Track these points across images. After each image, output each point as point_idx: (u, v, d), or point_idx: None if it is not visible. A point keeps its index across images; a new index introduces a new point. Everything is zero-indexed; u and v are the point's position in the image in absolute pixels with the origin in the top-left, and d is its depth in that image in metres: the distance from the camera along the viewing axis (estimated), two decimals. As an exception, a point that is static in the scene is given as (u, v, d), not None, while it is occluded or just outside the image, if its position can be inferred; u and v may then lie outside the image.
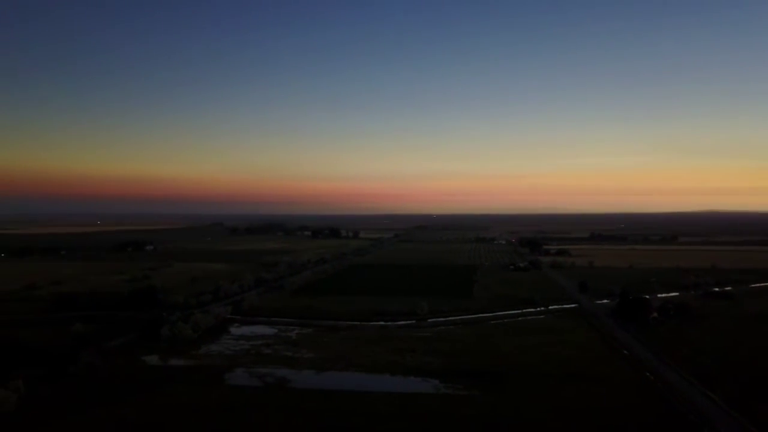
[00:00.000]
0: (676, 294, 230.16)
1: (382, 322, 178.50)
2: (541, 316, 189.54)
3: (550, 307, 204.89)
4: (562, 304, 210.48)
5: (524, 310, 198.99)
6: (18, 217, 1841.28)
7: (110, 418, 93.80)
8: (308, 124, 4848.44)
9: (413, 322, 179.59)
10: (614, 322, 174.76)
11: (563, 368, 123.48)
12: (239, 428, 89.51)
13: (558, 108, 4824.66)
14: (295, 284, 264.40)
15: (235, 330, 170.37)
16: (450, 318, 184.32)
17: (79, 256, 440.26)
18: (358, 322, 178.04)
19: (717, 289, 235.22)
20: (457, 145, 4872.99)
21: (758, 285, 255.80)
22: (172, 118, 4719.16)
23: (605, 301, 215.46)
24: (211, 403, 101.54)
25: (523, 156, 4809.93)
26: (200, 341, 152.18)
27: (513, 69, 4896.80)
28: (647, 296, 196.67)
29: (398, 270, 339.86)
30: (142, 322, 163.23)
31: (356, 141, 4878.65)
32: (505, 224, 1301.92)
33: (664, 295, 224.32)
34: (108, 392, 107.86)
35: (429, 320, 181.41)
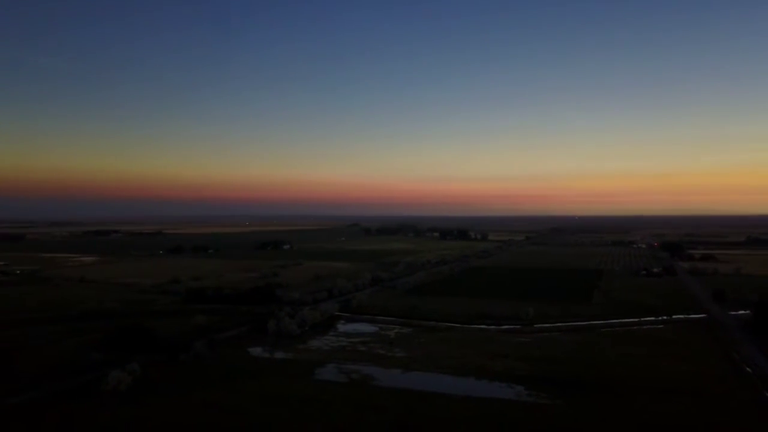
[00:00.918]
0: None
1: (484, 326, 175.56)
2: (660, 326, 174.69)
3: (674, 317, 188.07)
4: (689, 314, 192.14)
5: (642, 319, 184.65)
6: (178, 219, 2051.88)
7: (204, 400, 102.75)
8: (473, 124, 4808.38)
9: (517, 326, 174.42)
10: (745, 336, 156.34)
11: (666, 382, 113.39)
12: (309, 417, 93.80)
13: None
14: (409, 284, 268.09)
15: (339, 327, 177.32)
16: (557, 324, 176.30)
17: (224, 254, 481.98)
18: (459, 324, 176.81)
19: None
20: (602, 142, 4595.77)
21: None
22: (334, 126, 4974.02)
23: (743, 312, 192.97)
24: (294, 394, 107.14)
25: (676, 153, 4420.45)
26: (304, 336, 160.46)
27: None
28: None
29: (517, 273, 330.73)
30: (255, 317, 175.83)
31: (491, 139, 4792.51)
32: (653, 226, 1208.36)
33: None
34: (208, 378, 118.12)
35: (535, 325, 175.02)
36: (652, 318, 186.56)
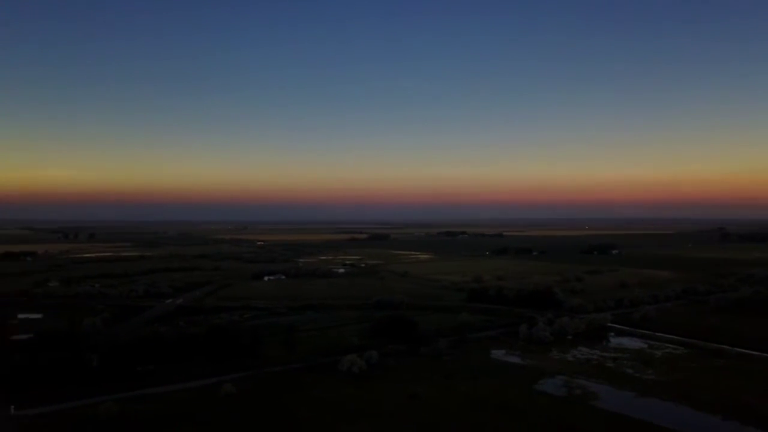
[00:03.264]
0: None
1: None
2: None
3: None
4: None
5: None
6: (520, 222, 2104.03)
7: (414, 393, 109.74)
8: None
9: None
10: None
11: None
12: (490, 424, 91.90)
13: None
14: (727, 299, 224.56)
15: (604, 339, 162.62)
16: None
17: (545, 257, 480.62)
18: (758, 353, 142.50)
19: None
20: None
21: None
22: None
23: None
24: (498, 400, 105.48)
25: None
26: (554, 344, 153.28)
27: None
28: None
29: None
30: (517, 320, 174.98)
31: None
32: None
33: None
34: (431, 373, 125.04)
35: None
36: None
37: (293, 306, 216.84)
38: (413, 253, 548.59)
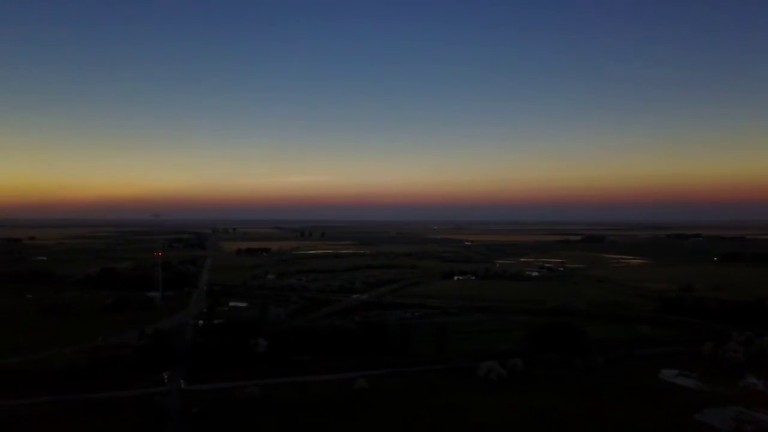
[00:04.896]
0: None
1: None
2: None
3: None
4: None
5: None
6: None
7: (538, 405, 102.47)
8: None
9: None
10: None
11: None
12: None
13: None
14: None
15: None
16: None
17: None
18: None
19: None
20: None
21: None
22: None
23: None
24: (639, 424, 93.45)
25: None
26: (748, 368, 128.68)
27: None
28: None
29: None
30: (706, 337, 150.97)
31: None
32: None
33: None
34: (572, 386, 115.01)
35: None
36: None
37: (466, 307, 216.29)
38: (626, 257, 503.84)
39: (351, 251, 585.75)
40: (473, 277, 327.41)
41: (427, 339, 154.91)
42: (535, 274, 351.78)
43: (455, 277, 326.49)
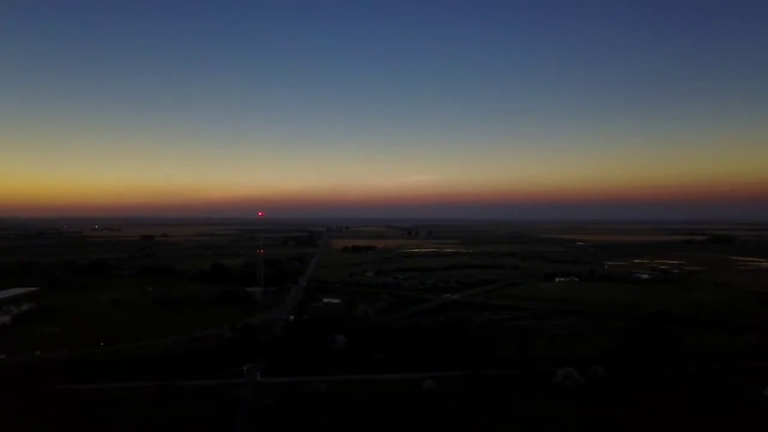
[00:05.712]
0: None
1: None
2: None
3: None
4: None
5: None
6: None
7: (611, 417, 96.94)
8: None
9: None
10: None
11: None
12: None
13: None
14: None
15: None
16: None
17: None
18: None
19: None
20: None
21: None
22: None
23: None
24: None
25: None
26: None
27: None
28: None
29: None
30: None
31: None
32: None
33: None
34: (655, 398, 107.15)
35: None
36: None
37: (561, 310, 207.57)
38: (757, 260, 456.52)
39: (454, 250, 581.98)
40: (576, 279, 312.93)
41: (511, 342, 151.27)
42: (645, 276, 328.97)
43: (557, 279, 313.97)
